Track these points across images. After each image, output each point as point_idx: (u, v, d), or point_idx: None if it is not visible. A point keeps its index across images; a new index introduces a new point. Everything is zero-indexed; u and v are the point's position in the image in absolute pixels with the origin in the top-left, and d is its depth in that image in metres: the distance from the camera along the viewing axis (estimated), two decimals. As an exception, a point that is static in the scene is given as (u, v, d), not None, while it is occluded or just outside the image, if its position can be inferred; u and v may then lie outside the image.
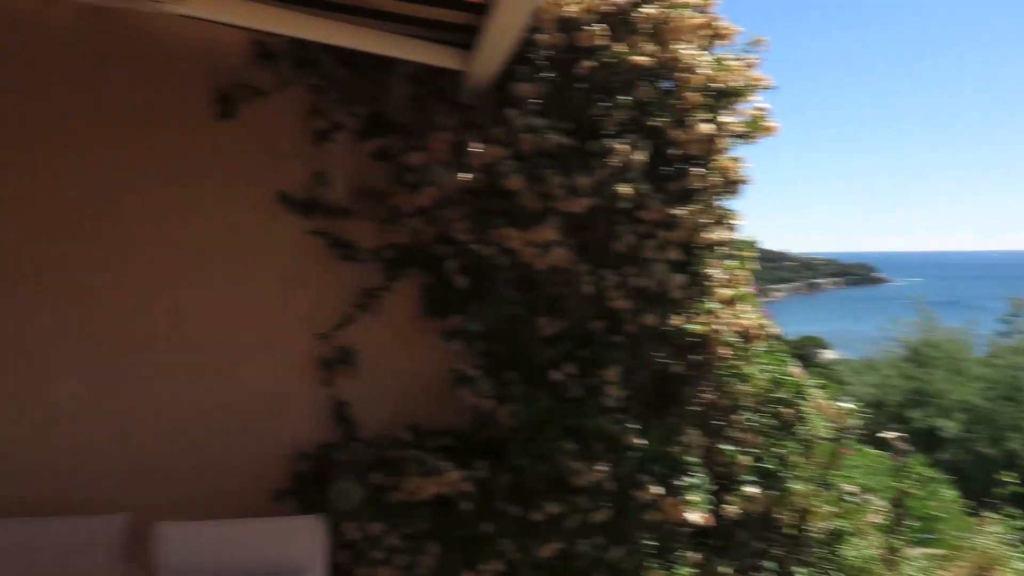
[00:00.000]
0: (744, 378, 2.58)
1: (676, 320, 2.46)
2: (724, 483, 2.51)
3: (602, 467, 2.32)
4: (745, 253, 2.72)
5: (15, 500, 2.47)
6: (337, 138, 2.68)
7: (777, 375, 2.57)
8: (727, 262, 2.66)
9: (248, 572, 2.27)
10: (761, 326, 2.49)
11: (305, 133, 2.70)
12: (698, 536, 2.48)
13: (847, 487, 2.67)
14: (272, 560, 2.31)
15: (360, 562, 2.37)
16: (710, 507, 2.35)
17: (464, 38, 2.27)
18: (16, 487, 2.49)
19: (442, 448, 2.53)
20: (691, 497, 2.29)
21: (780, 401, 2.56)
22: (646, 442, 2.37)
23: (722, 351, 2.50)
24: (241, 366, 2.71)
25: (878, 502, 2.72)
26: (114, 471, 2.61)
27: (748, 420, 2.55)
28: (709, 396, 2.64)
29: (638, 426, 2.39)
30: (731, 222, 2.61)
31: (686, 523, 2.30)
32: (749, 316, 2.50)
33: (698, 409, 2.62)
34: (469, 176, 2.53)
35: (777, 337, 2.82)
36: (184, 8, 2.10)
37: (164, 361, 2.65)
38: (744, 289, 2.66)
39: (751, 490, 2.44)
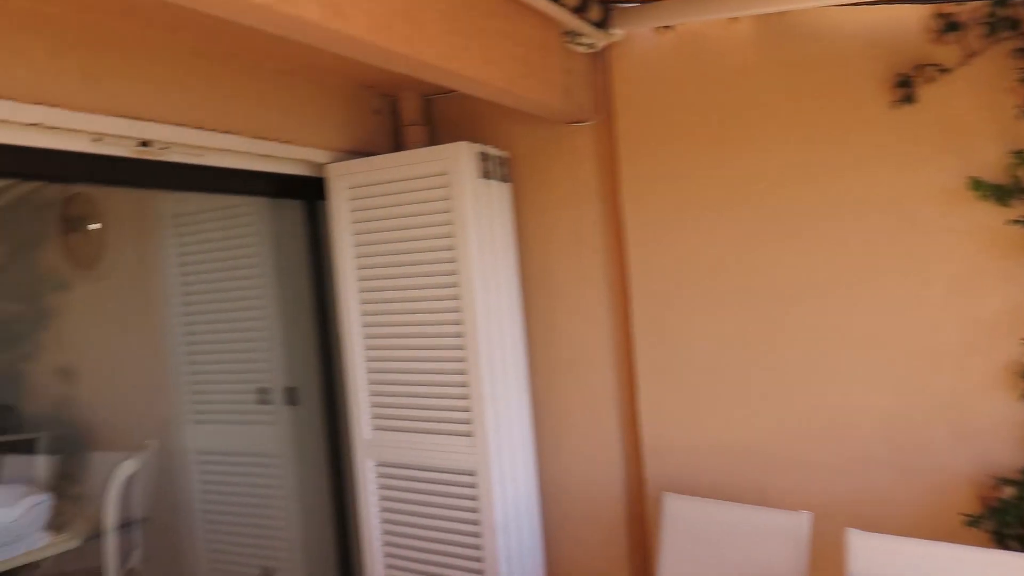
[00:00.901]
0: None
1: None
2: None
3: None
4: None
5: (694, 480, 2.78)
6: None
7: None
8: None
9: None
10: None
11: (999, 108, 2.35)
12: None
13: None
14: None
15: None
16: None
17: None
18: (695, 468, 2.80)
19: None
20: None
21: None
22: None
23: None
24: (914, 373, 2.51)
25: None
26: (789, 465, 2.71)
27: None
28: None
29: None
30: None
31: None
32: None
33: None
34: None
35: None
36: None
37: (836, 362, 2.63)
38: None
39: None
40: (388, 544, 3.16)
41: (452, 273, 2.91)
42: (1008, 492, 2.27)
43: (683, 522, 2.63)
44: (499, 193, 3.07)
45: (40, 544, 3.25)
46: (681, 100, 2.85)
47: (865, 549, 2.22)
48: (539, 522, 3.13)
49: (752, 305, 2.76)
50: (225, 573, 3.85)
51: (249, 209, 3.64)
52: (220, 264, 3.81)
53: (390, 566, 3.16)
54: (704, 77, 2.81)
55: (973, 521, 2.28)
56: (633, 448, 3.03)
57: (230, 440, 3.81)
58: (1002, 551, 2.11)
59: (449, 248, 2.91)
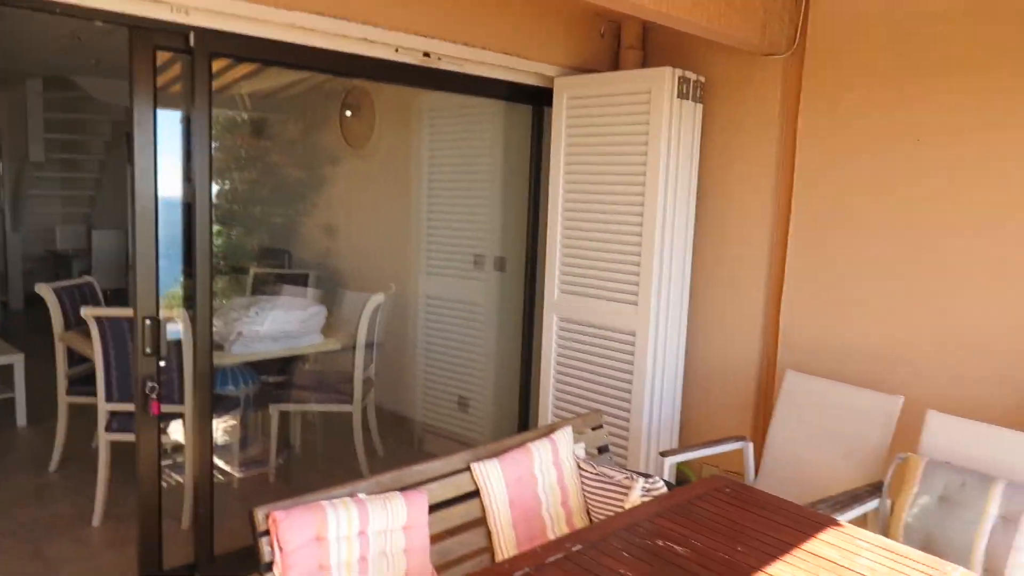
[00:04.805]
0: None
1: None
2: None
3: None
4: None
5: (816, 364, 3.33)
6: None
7: None
8: None
9: (1007, 474, 2.51)
10: None
11: None
12: None
13: None
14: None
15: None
16: None
17: None
18: (819, 354, 3.34)
19: None
20: None
21: None
22: None
23: None
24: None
25: None
26: (898, 364, 3.17)
27: None
28: None
29: None
30: None
31: None
32: None
33: None
34: None
35: None
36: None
37: (966, 286, 3.02)
38: None
39: None
40: (559, 383, 4.01)
41: (641, 173, 3.59)
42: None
43: (796, 394, 3.20)
44: (691, 112, 3.68)
45: (315, 342, 4.45)
46: (869, 43, 3.26)
47: (939, 427, 2.70)
48: (682, 381, 3.83)
49: (901, 232, 3.19)
50: (432, 394, 4.93)
51: (489, 110, 4.52)
52: (460, 152, 4.76)
53: (558, 400, 4.01)
54: (894, 23, 3.19)
55: (1048, 424, 2.66)
56: (772, 335, 3.60)
57: (451, 290, 4.82)
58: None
59: (643, 153, 3.58)
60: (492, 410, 4.57)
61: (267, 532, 1.98)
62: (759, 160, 3.63)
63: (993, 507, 2.41)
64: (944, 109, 3.05)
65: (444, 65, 3.50)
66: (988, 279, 2.96)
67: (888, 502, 2.68)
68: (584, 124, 3.82)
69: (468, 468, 2.45)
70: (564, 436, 2.68)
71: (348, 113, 5.77)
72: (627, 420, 3.68)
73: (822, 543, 2.04)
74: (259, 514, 2.01)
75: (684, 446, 3.47)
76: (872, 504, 2.68)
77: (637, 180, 3.61)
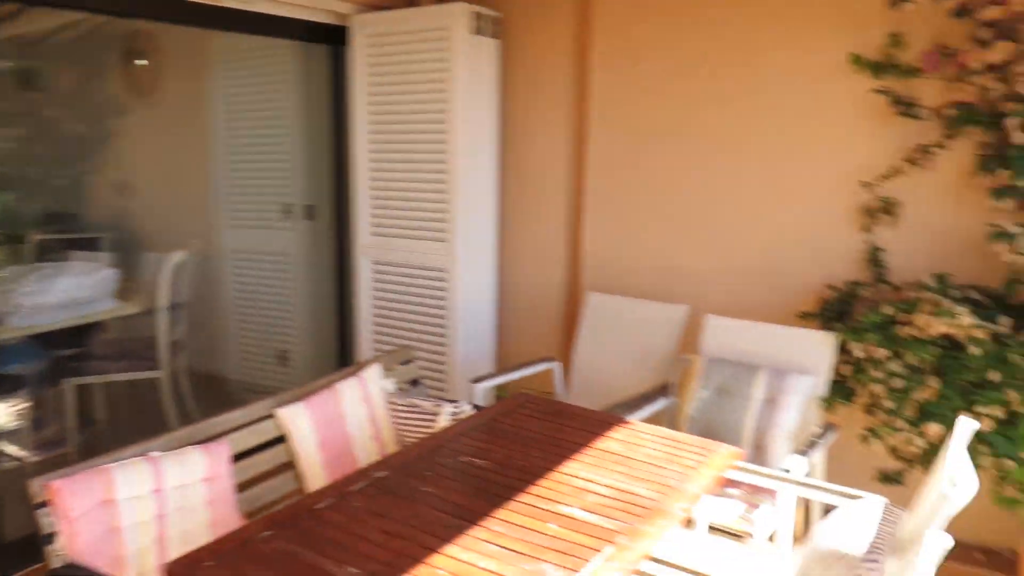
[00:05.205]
0: None
1: None
2: None
3: None
4: None
5: (617, 283, 3.54)
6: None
7: None
8: None
9: (769, 363, 2.83)
10: None
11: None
12: None
13: None
14: (787, 359, 2.82)
15: (858, 377, 2.71)
16: None
17: None
18: (619, 275, 3.56)
19: (966, 299, 2.60)
20: None
21: None
22: None
23: None
24: (794, 210, 3.18)
25: None
26: (687, 277, 3.44)
27: None
28: None
29: None
30: None
31: None
32: None
33: None
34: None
35: None
36: None
37: (739, 201, 3.30)
38: None
39: None
40: (377, 325, 4.01)
41: (443, 111, 3.59)
42: (833, 296, 2.98)
43: (598, 313, 3.40)
44: (489, 48, 3.70)
45: (108, 307, 4.14)
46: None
47: (715, 329, 2.98)
48: (495, 311, 3.94)
49: (687, 159, 3.41)
50: (248, 351, 4.76)
51: (284, 52, 4.31)
52: (259, 98, 4.53)
53: (378, 342, 4.01)
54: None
55: (804, 316, 3.00)
56: (576, 261, 3.78)
57: (260, 242, 4.63)
58: (812, 331, 2.85)
59: (443, 91, 3.58)
60: (313, 360, 4.49)
61: (45, 504, 1.86)
62: (557, 95, 3.74)
63: (758, 392, 2.71)
64: (726, 39, 3.27)
65: (229, 3, 3.28)
66: (759, 199, 3.26)
67: (675, 400, 2.93)
68: (383, 63, 3.74)
69: (272, 415, 2.41)
70: (373, 373, 2.69)
71: (134, 60, 5.30)
72: (444, 354, 3.76)
73: (610, 439, 2.21)
74: (35, 485, 1.88)
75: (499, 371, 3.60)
76: (662, 403, 2.93)
77: (439, 119, 3.61)
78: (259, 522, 1.74)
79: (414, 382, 2.94)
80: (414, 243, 3.79)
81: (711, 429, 2.72)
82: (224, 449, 2.21)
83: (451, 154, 3.59)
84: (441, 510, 1.77)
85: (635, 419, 2.51)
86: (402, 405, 2.65)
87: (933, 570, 1.54)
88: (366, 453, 2.55)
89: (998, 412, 2.39)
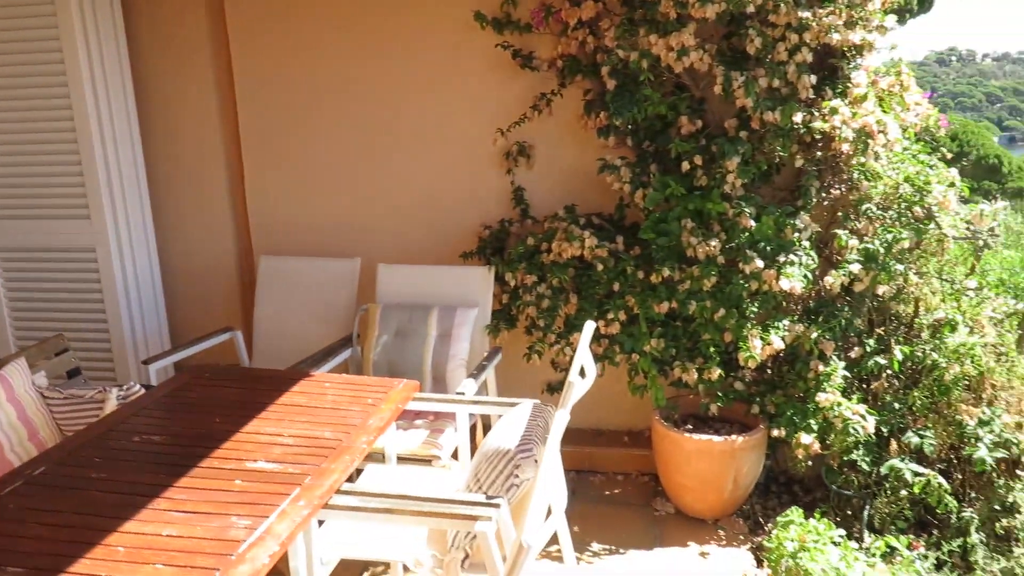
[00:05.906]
0: (872, 175, 2.74)
1: (802, 118, 2.68)
2: (832, 264, 2.78)
3: (715, 243, 2.71)
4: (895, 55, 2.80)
5: (289, 244, 3.55)
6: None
7: (908, 174, 2.67)
8: (871, 64, 2.76)
9: (439, 301, 3.07)
10: (881, 124, 2.60)
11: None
12: (802, 309, 2.83)
13: (969, 283, 2.76)
14: (455, 294, 3.09)
15: (515, 303, 3.08)
16: (810, 281, 2.65)
17: None
18: (290, 235, 3.56)
19: (590, 224, 3.08)
20: (791, 271, 2.61)
21: (906, 199, 2.68)
22: (757, 224, 2.70)
23: (844, 148, 2.67)
24: (449, 156, 3.44)
25: (1006, 300, 2.75)
26: (357, 231, 3.55)
27: (868, 212, 2.73)
28: (835, 191, 2.86)
29: (752, 210, 2.72)
30: (873, 23, 2.69)
31: (783, 292, 2.64)
32: (872, 115, 2.61)
33: (822, 202, 2.86)
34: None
35: (932, 137, 2.88)
36: None
37: (398, 153, 3.46)
38: (888, 88, 2.77)
39: (854, 269, 2.65)
40: (16, 320, 3.53)
41: (62, 73, 3.22)
42: (488, 234, 3.31)
43: (273, 276, 3.38)
44: (108, 12, 3.36)
45: None
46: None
47: (388, 276, 3.15)
48: (161, 287, 3.70)
49: (345, 115, 3.47)
50: None
51: None
52: None
53: (21, 340, 3.54)
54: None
55: (465, 255, 3.30)
56: (243, 226, 3.69)
57: None
58: (473, 267, 3.15)
59: (60, 61, 3.19)
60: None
61: None
62: (196, 59, 3.53)
63: (432, 329, 2.94)
64: (359, 7, 3.34)
65: None
66: (417, 151, 3.45)
67: (359, 348, 3.06)
68: None
69: None
70: (17, 369, 2.41)
71: None
72: (107, 338, 3.45)
73: (294, 394, 2.26)
74: None
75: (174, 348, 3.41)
76: (347, 353, 3.04)
77: (61, 92, 3.24)
78: None
79: (72, 372, 2.68)
80: (53, 223, 3.39)
81: (394, 369, 2.90)
82: None
83: (80, 128, 3.25)
84: (116, 492, 1.70)
85: (321, 372, 2.59)
86: (60, 399, 2.42)
87: (558, 439, 1.88)
88: (23, 456, 2.30)
89: (622, 316, 2.89)
